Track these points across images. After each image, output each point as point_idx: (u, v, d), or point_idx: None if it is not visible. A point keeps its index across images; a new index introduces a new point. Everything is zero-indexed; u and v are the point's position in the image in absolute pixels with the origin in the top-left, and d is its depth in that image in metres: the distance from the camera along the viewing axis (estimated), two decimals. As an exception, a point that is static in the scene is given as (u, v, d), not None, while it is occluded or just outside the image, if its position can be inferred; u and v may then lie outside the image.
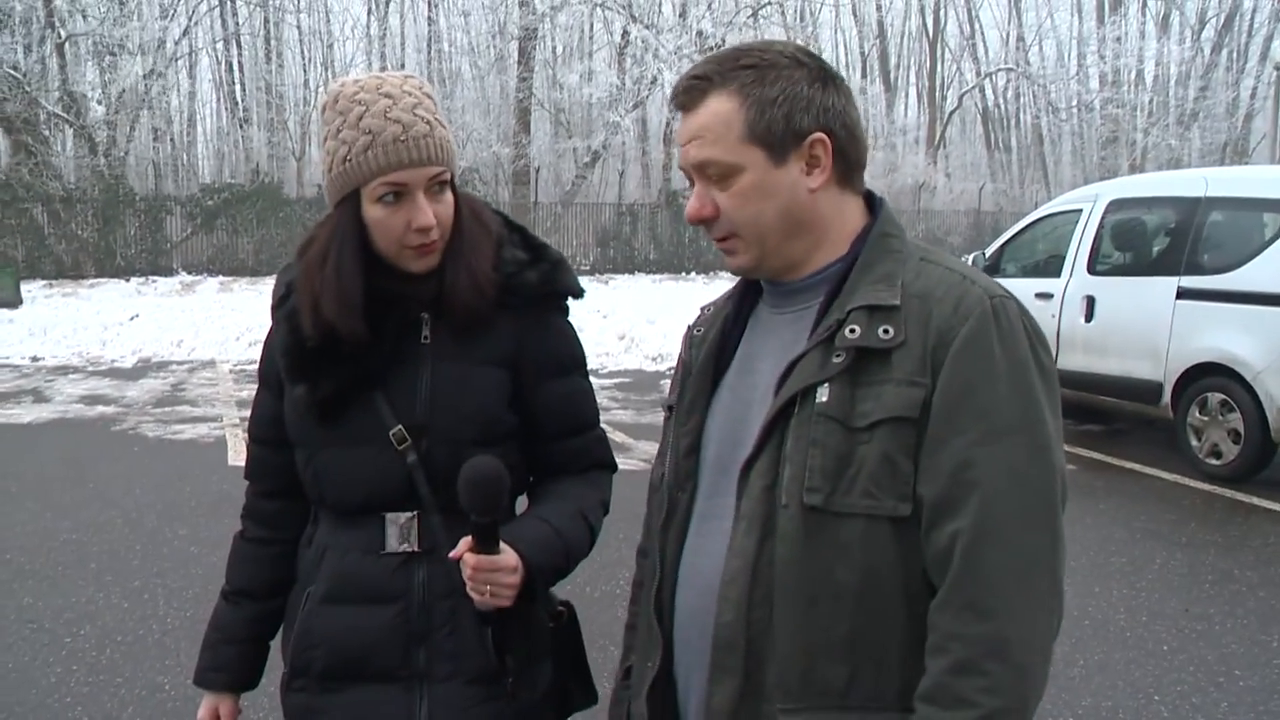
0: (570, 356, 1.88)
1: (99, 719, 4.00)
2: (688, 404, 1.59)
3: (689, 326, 1.70)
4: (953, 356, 1.35)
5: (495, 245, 1.80)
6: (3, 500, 7.01)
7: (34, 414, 10.29)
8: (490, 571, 1.61)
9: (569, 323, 1.90)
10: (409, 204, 1.67)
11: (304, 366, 1.76)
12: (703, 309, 1.72)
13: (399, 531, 1.76)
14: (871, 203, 1.54)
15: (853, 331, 1.38)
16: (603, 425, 1.97)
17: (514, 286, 1.79)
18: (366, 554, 1.77)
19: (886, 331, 1.37)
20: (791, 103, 1.42)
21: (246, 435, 1.98)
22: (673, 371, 1.74)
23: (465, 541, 1.61)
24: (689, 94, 1.46)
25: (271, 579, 1.92)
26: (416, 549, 1.76)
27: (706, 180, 1.47)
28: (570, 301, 1.89)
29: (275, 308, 1.84)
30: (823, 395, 1.38)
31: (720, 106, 1.43)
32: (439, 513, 1.75)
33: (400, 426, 1.73)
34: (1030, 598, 1.32)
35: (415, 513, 1.76)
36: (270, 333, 1.86)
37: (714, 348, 1.60)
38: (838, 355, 1.38)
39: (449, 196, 1.73)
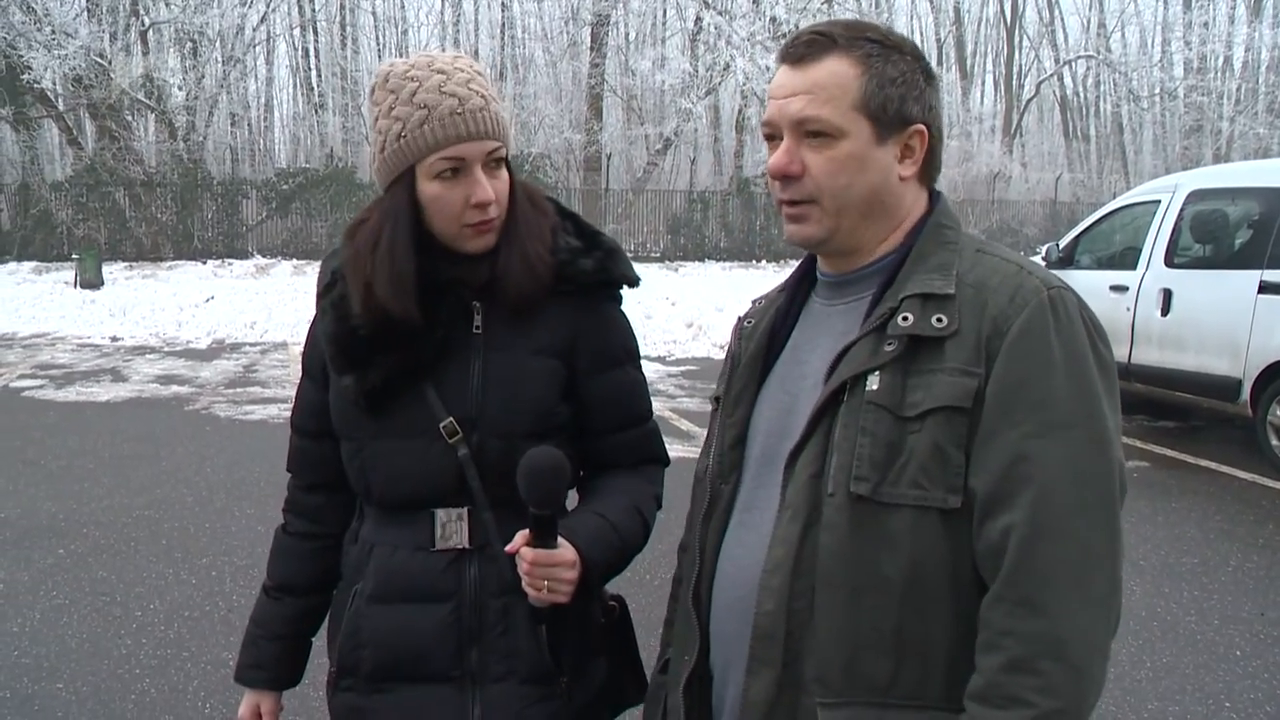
0: (624, 347, 1.83)
1: (165, 691, 4.10)
2: (735, 395, 1.57)
3: (739, 318, 1.67)
4: (1008, 347, 1.32)
5: (551, 229, 1.76)
6: (81, 476, 7.21)
7: (112, 392, 10.57)
8: (549, 566, 1.56)
9: (622, 313, 1.85)
10: (467, 179, 1.63)
11: (352, 355, 1.71)
12: (754, 301, 1.69)
13: (449, 527, 1.71)
14: (931, 197, 1.52)
15: (905, 319, 1.36)
16: (669, 412, 1.93)
17: (568, 274, 1.74)
18: (416, 550, 1.72)
19: (940, 320, 1.35)
20: (908, 87, 1.42)
21: (290, 426, 1.94)
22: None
23: (522, 535, 1.57)
24: (810, 47, 1.43)
25: (314, 574, 1.89)
26: (467, 545, 1.71)
27: (800, 138, 1.43)
28: (629, 289, 1.83)
29: (320, 295, 1.79)
30: (873, 383, 1.36)
31: (840, 68, 1.41)
32: (490, 508, 1.69)
33: (451, 419, 1.68)
34: (1087, 596, 1.28)
35: (466, 508, 1.70)
36: (314, 321, 1.82)
37: (764, 339, 1.58)
38: (889, 343, 1.36)
39: (505, 174, 1.68)
